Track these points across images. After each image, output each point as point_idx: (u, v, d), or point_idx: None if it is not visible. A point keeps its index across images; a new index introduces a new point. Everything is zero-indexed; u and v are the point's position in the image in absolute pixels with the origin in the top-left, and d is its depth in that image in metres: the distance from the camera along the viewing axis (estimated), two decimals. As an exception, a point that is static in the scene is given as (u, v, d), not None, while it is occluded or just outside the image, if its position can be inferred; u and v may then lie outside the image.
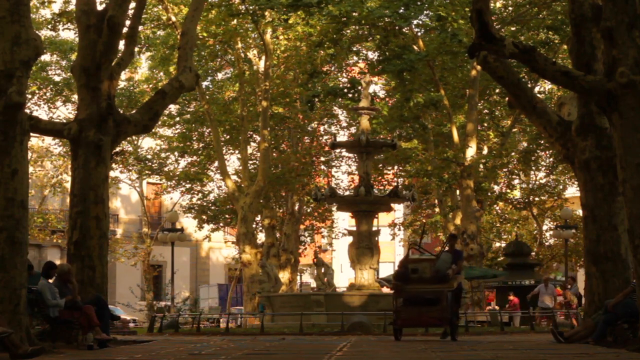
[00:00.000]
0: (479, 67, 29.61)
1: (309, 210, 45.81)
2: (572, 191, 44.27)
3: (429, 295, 17.01)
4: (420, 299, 17.10)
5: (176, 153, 44.62)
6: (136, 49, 29.09)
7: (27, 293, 13.25)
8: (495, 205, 45.45)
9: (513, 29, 34.29)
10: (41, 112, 39.70)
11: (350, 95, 32.70)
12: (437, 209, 42.58)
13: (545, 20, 33.05)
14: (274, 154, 41.05)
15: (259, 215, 42.29)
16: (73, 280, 14.94)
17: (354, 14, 30.77)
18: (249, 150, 41.81)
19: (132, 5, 18.61)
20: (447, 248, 18.15)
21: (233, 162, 45.97)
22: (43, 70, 40.68)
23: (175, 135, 44.44)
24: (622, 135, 12.54)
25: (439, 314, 16.90)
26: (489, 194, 39.42)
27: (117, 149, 18.56)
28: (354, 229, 27.88)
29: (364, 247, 26.99)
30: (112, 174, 38.52)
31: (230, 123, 40.82)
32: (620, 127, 12.58)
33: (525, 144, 42.31)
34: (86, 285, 16.02)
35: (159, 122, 38.77)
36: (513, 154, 42.26)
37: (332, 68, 40.68)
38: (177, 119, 43.32)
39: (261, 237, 43.44)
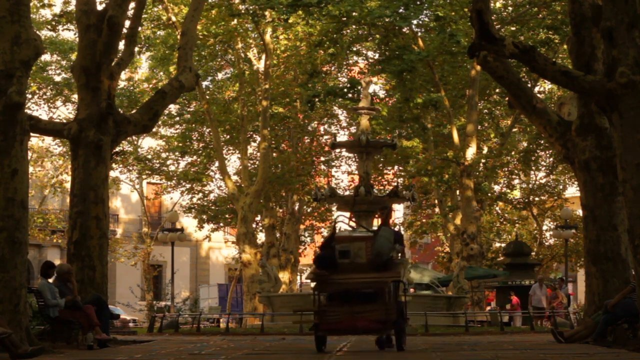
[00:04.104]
0: (478, 67, 29.62)
1: (309, 210, 45.81)
2: (572, 191, 44.29)
3: (366, 288, 12.42)
4: (354, 293, 12.41)
5: (176, 153, 44.64)
6: (136, 49, 29.10)
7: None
8: (495, 205, 45.45)
9: (513, 29, 34.28)
10: (41, 112, 39.70)
11: (350, 95, 32.70)
12: (437, 209, 42.59)
13: (545, 20, 33.05)
14: (274, 154, 41.05)
15: (259, 215, 42.28)
16: (73, 279, 14.96)
17: (354, 14, 30.78)
18: (249, 150, 41.81)
19: (132, 5, 18.62)
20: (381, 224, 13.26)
21: (233, 162, 45.97)
22: (43, 70, 40.68)
23: (175, 135, 44.45)
24: (622, 135, 12.54)
25: (380, 314, 12.18)
26: (489, 194, 39.42)
27: (117, 149, 18.57)
28: (354, 229, 27.84)
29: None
30: (112, 174, 38.52)
31: (230, 123, 40.82)
32: (620, 127, 12.58)
33: (525, 144, 42.32)
34: (86, 285, 16.04)
35: (159, 122, 38.80)
36: (513, 153, 42.28)
37: (332, 68, 40.69)
38: (177, 119, 43.32)
39: (261, 237, 43.44)
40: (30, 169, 35.18)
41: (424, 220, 46.32)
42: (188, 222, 48.80)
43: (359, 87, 30.58)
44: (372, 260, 12.28)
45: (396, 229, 14.65)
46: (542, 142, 38.65)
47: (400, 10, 30.59)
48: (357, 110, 29.63)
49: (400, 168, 42.67)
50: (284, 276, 38.99)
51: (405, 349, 12.56)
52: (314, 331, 12.51)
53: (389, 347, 13.12)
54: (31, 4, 16.87)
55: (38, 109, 40.39)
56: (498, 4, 35.27)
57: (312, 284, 13.12)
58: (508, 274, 36.60)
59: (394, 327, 12.39)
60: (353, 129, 41.80)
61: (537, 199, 46.65)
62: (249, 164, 40.37)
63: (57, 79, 41.63)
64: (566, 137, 16.70)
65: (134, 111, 22.97)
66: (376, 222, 28.79)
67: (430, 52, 32.42)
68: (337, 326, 12.39)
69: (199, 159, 44.06)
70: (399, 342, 12.49)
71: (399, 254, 12.87)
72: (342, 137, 41.91)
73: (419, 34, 34.88)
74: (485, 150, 39.69)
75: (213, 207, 45.33)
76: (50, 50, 39.69)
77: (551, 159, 43.21)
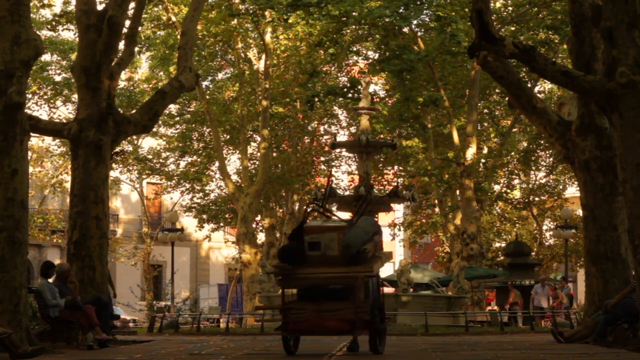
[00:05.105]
0: (478, 67, 29.62)
1: (309, 211, 45.72)
2: (572, 191, 44.28)
3: (335, 283, 11.25)
4: (323, 290, 11.27)
5: (176, 153, 44.66)
6: (136, 49, 29.10)
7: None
8: (495, 205, 45.45)
9: (513, 29, 34.29)
10: (41, 112, 39.69)
11: (350, 95, 32.70)
12: (437, 209, 42.60)
13: (545, 20, 33.05)
14: (274, 154, 41.06)
15: (259, 215, 42.27)
16: (74, 279, 14.98)
17: (354, 14, 30.78)
18: (249, 150, 41.81)
19: (132, 5, 18.62)
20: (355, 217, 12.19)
21: (233, 162, 45.97)
22: (43, 70, 40.66)
23: (175, 135, 44.47)
24: (622, 135, 12.55)
25: (351, 313, 10.99)
26: (489, 194, 39.42)
27: (117, 149, 18.58)
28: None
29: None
30: (112, 174, 38.51)
31: (230, 123, 40.82)
32: (620, 127, 12.59)
33: (525, 144, 42.33)
34: (86, 285, 16.04)
35: (159, 122, 38.80)
36: (513, 153, 42.28)
37: (332, 68, 40.70)
38: (177, 118, 43.34)
39: (261, 237, 43.43)
40: (30, 169, 35.18)
41: (424, 220, 46.29)
42: (188, 222, 48.80)
43: (359, 87, 30.58)
44: (342, 254, 11.06)
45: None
46: (542, 142, 38.64)
47: (400, 10, 30.57)
48: (357, 110, 29.63)
49: (400, 168, 42.66)
50: (284, 276, 38.89)
51: (382, 353, 11.41)
52: (281, 332, 11.41)
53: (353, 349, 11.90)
54: (31, 4, 16.87)
55: (38, 109, 40.37)
56: (498, 4, 35.27)
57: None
58: (508, 274, 36.62)
59: (367, 328, 11.22)
60: (353, 129, 41.79)
61: (537, 199, 46.64)
62: (249, 164, 40.37)
63: (57, 79, 41.62)
64: (566, 137, 16.71)
65: (134, 111, 22.97)
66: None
67: (430, 52, 32.42)
68: (303, 326, 11.25)
69: (199, 159, 44.07)
70: (374, 344, 11.33)
71: (377, 247, 11.58)
72: (342, 137, 41.90)
73: (419, 34, 34.88)
74: (485, 150, 39.68)
75: (213, 207, 45.33)
76: (50, 50, 39.67)
77: (551, 159, 43.21)
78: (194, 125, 42.98)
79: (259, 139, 38.95)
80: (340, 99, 36.27)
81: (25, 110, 13.79)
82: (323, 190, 28.91)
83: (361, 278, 11.06)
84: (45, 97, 41.60)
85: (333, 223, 11.59)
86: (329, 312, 11.00)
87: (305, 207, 12.32)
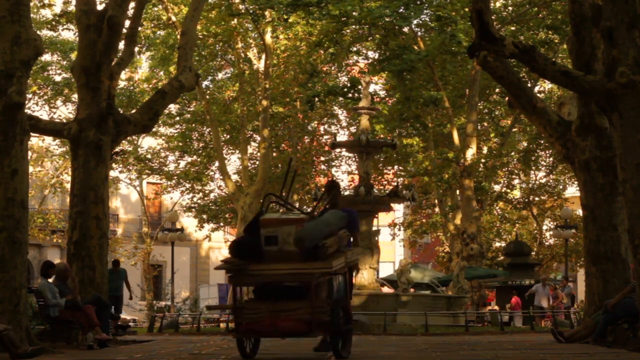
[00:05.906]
0: (478, 67, 29.63)
1: (309, 210, 45.70)
2: (572, 191, 44.29)
3: (290, 280, 10.29)
4: (278, 288, 10.33)
5: (176, 153, 44.68)
6: (136, 49, 29.10)
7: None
8: (495, 205, 45.47)
9: (513, 29, 34.30)
10: (41, 112, 39.69)
11: (350, 95, 32.71)
12: (437, 209, 42.62)
13: (545, 20, 33.07)
14: (274, 154, 41.06)
15: (259, 215, 42.25)
16: (74, 277, 14.99)
17: (354, 14, 30.79)
18: (249, 150, 41.82)
19: (132, 5, 18.63)
20: (327, 205, 11.42)
21: (233, 162, 45.99)
22: (43, 70, 40.67)
23: (175, 135, 44.48)
24: (622, 135, 12.55)
25: (307, 313, 10.05)
26: (489, 194, 39.43)
27: (117, 149, 18.58)
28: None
29: (364, 247, 26.92)
30: (112, 173, 38.50)
31: (231, 123, 40.84)
32: (620, 127, 12.59)
33: (525, 144, 42.34)
34: (86, 285, 16.05)
35: (159, 122, 38.79)
36: (513, 153, 42.30)
37: (332, 68, 40.71)
38: (177, 118, 43.34)
39: (261, 237, 43.40)
40: (30, 169, 35.17)
41: (424, 220, 46.30)
42: (188, 222, 48.80)
43: (359, 87, 30.59)
44: (300, 249, 10.12)
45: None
46: (542, 142, 38.66)
47: (400, 10, 30.59)
48: (357, 110, 29.63)
49: (400, 168, 42.68)
50: (284, 276, 38.87)
51: (346, 357, 10.55)
52: (234, 334, 10.54)
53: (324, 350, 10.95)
54: (31, 4, 16.87)
55: (38, 109, 40.38)
56: (498, 4, 35.28)
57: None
58: (508, 274, 36.62)
59: (327, 329, 10.30)
60: (353, 129, 41.80)
61: (537, 199, 46.66)
62: (249, 164, 40.38)
63: (57, 79, 41.62)
64: (566, 137, 16.72)
65: (134, 111, 22.97)
66: (376, 222, 28.76)
67: (430, 52, 32.44)
68: (256, 327, 10.21)
69: (199, 159, 44.08)
70: (335, 348, 10.36)
71: (343, 241, 10.67)
72: (342, 137, 41.90)
73: (419, 34, 34.89)
74: (485, 150, 39.70)
75: (213, 207, 45.34)
76: (50, 50, 39.68)
77: (551, 159, 43.22)
78: (194, 125, 42.99)
79: (259, 139, 38.95)
80: (340, 99, 36.27)
81: (25, 110, 13.80)
82: (322, 190, 28.85)
83: (318, 275, 10.09)
84: (45, 97, 41.60)
85: (292, 215, 10.70)
86: (284, 312, 10.08)
87: (263, 199, 10.76)
